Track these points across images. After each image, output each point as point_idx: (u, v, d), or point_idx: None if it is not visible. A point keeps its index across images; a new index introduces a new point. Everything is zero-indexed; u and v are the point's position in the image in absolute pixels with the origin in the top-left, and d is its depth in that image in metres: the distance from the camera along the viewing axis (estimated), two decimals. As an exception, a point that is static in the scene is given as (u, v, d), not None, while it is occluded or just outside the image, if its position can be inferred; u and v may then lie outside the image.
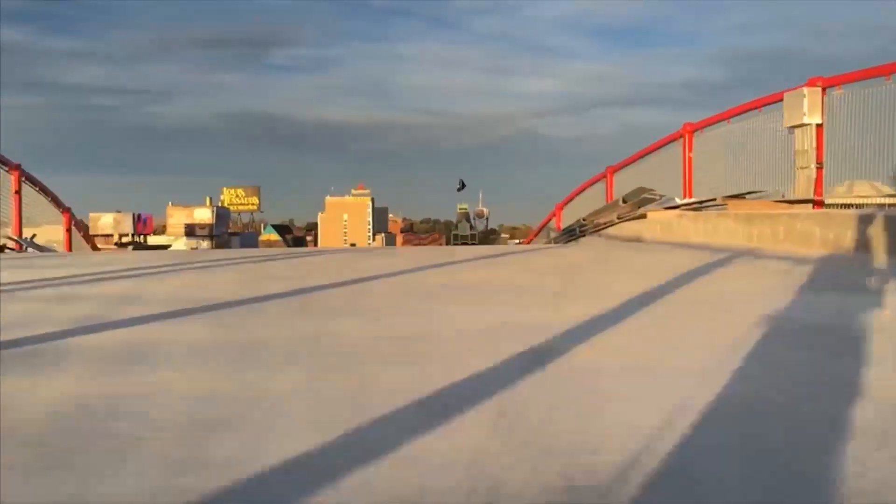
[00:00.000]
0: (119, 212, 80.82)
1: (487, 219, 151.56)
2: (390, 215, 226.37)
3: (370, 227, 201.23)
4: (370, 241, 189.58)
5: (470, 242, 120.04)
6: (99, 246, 15.94)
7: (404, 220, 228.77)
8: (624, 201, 8.40)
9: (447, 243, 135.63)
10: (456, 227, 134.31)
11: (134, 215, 74.30)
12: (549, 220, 11.97)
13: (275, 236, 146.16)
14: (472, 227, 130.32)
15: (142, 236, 77.68)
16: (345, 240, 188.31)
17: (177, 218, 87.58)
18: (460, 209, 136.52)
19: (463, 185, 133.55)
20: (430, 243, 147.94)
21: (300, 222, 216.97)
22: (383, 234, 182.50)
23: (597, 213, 9.08)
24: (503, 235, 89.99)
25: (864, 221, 4.70)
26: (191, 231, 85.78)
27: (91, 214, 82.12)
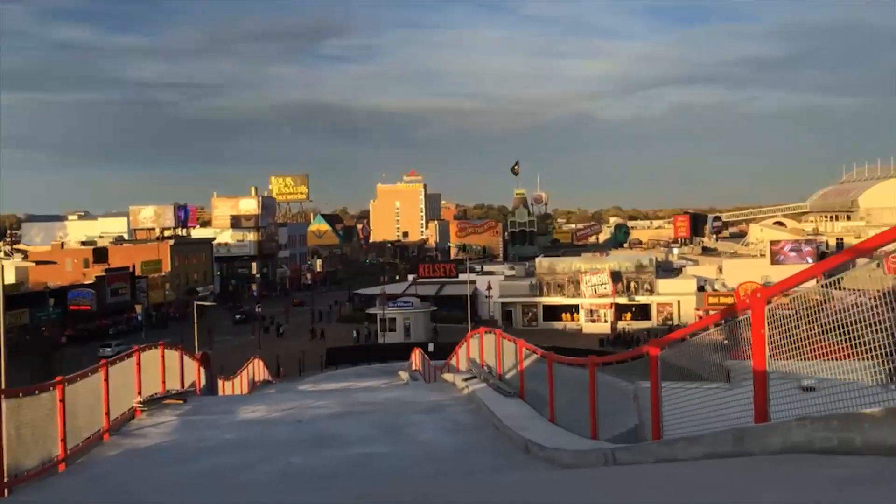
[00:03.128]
0: (160, 205, 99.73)
1: (546, 203, 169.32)
2: (443, 202, 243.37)
3: (423, 214, 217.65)
4: (423, 229, 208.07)
5: (528, 230, 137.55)
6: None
7: (457, 206, 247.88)
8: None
9: (504, 230, 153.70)
10: (513, 213, 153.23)
11: (175, 207, 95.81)
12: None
13: (324, 226, 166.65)
14: (529, 213, 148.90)
15: (185, 229, 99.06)
16: (397, 228, 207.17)
17: (221, 209, 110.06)
18: (517, 194, 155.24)
19: (516, 169, 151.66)
20: (486, 231, 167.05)
21: (352, 211, 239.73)
22: (436, 222, 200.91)
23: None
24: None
25: None
26: (236, 223, 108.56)
27: (131, 207, 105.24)
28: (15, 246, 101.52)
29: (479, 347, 16.41)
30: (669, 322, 71.96)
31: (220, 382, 22.94)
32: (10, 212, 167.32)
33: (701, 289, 72.71)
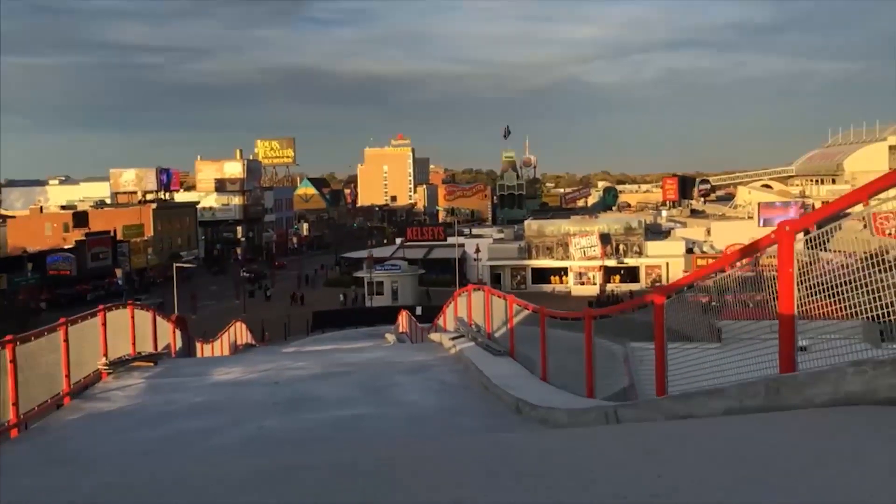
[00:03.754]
0: (141, 168, 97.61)
1: (535, 167, 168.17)
2: (431, 166, 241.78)
3: (411, 178, 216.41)
4: (411, 194, 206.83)
5: (517, 193, 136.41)
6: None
7: (446, 171, 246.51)
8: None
9: (493, 193, 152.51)
10: (501, 176, 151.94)
11: (157, 170, 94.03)
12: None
13: (311, 190, 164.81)
14: (518, 177, 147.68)
15: (168, 193, 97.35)
16: (385, 192, 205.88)
17: (206, 173, 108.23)
18: (506, 157, 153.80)
19: (508, 132, 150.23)
20: (474, 194, 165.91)
21: (340, 176, 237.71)
22: (425, 187, 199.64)
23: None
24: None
25: None
26: (221, 187, 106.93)
27: (112, 171, 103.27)
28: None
29: (468, 306, 15.70)
30: (658, 283, 71.66)
31: (198, 346, 22.18)
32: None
33: (689, 251, 72.32)
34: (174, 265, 47.85)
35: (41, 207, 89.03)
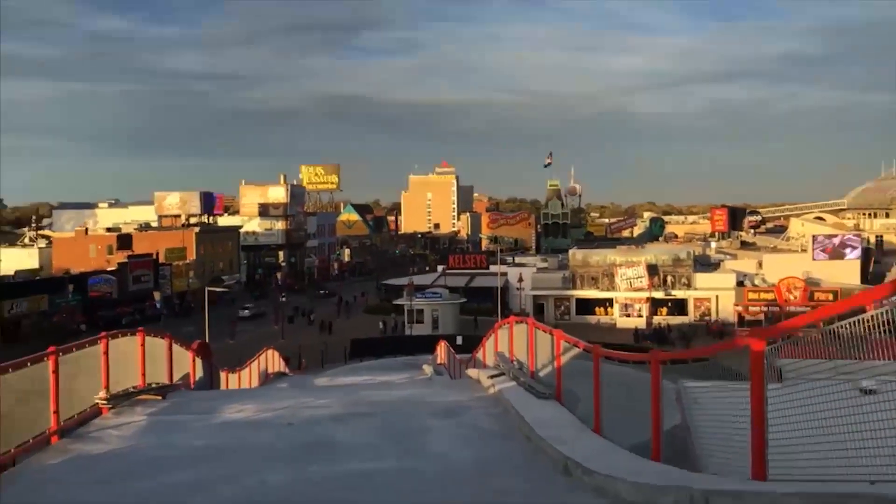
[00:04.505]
0: (185, 191, 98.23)
1: (580, 196, 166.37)
2: (475, 195, 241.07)
3: (454, 206, 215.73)
4: (455, 221, 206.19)
5: (561, 222, 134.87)
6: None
7: (490, 199, 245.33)
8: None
9: (537, 222, 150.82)
10: (546, 205, 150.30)
11: (201, 194, 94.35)
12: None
13: (354, 216, 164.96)
14: (563, 206, 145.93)
15: (211, 217, 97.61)
16: (428, 219, 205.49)
17: (249, 197, 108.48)
18: (551, 186, 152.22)
19: (550, 159, 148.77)
20: (518, 223, 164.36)
21: (384, 203, 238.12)
22: (468, 214, 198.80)
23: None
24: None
25: None
26: (264, 211, 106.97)
27: (156, 194, 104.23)
28: (40, 232, 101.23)
29: (509, 340, 14.18)
30: (707, 318, 69.07)
31: (223, 376, 20.98)
32: (44, 200, 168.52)
33: (740, 284, 69.63)
34: (206, 288, 46.97)
35: (86, 229, 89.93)
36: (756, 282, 70.68)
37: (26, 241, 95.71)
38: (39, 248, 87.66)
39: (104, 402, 11.08)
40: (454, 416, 10.79)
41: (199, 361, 17.66)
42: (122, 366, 12.56)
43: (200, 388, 16.80)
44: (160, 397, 12.51)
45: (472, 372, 15.81)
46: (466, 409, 11.26)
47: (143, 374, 13.25)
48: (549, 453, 8.07)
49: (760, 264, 74.87)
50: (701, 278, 70.73)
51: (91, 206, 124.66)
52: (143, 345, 13.34)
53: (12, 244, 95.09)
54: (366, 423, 10.42)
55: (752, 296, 68.00)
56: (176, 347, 15.60)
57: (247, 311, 76.97)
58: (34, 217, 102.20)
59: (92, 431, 10.21)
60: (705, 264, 78.52)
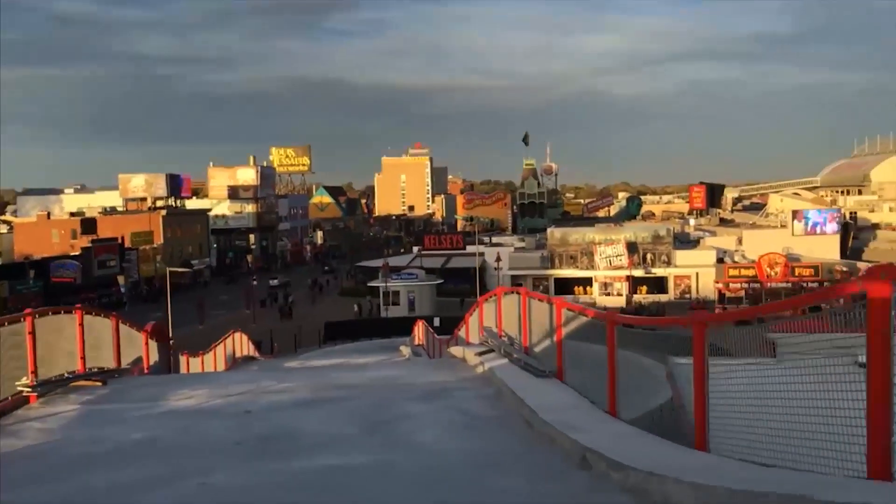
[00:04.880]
0: (151, 174, 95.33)
1: (556, 175, 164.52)
2: (450, 177, 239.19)
3: (429, 188, 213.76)
4: (429, 203, 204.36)
5: (538, 202, 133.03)
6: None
7: (464, 181, 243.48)
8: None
9: (513, 202, 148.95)
10: (522, 184, 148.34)
11: (167, 176, 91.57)
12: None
13: (327, 198, 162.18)
14: (539, 185, 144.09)
15: (179, 200, 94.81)
16: (403, 202, 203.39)
17: (218, 180, 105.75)
18: (527, 165, 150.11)
19: (527, 138, 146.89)
20: (494, 203, 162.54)
21: (357, 186, 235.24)
22: (443, 196, 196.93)
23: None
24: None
25: None
26: (234, 194, 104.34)
27: (121, 176, 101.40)
28: (1, 218, 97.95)
29: (497, 314, 12.74)
30: (688, 295, 68.30)
31: (183, 360, 19.34)
32: (8, 187, 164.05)
33: (720, 260, 68.88)
34: (167, 269, 44.99)
35: (48, 214, 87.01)
36: (736, 258, 70.03)
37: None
38: (0, 234, 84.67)
39: (28, 389, 9.48)
40: (440, 398, 9.34)
41: (153, 344, 16.05)
42: (56, 349, 10.97)
43: (156, 373, 15.20)
44: (101, 383, 10.92)
45: (455, 350, 14.35)
46: (452, 391, 9.82)
47: (83, 358, 11.65)
48: (558, 442, 6.65)
49: (740, 241, 74.26)
50: (681, 255, 69.86)
51: (56, 191, 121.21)
52: (81, 324, 11.72)
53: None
54: (336, 409, 8.94)
55: (732, 272, 67.26)
56: (125, 329, 14.00)
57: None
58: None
59: (10, 424, 8.62)
60: (685, 241, 77.70)
